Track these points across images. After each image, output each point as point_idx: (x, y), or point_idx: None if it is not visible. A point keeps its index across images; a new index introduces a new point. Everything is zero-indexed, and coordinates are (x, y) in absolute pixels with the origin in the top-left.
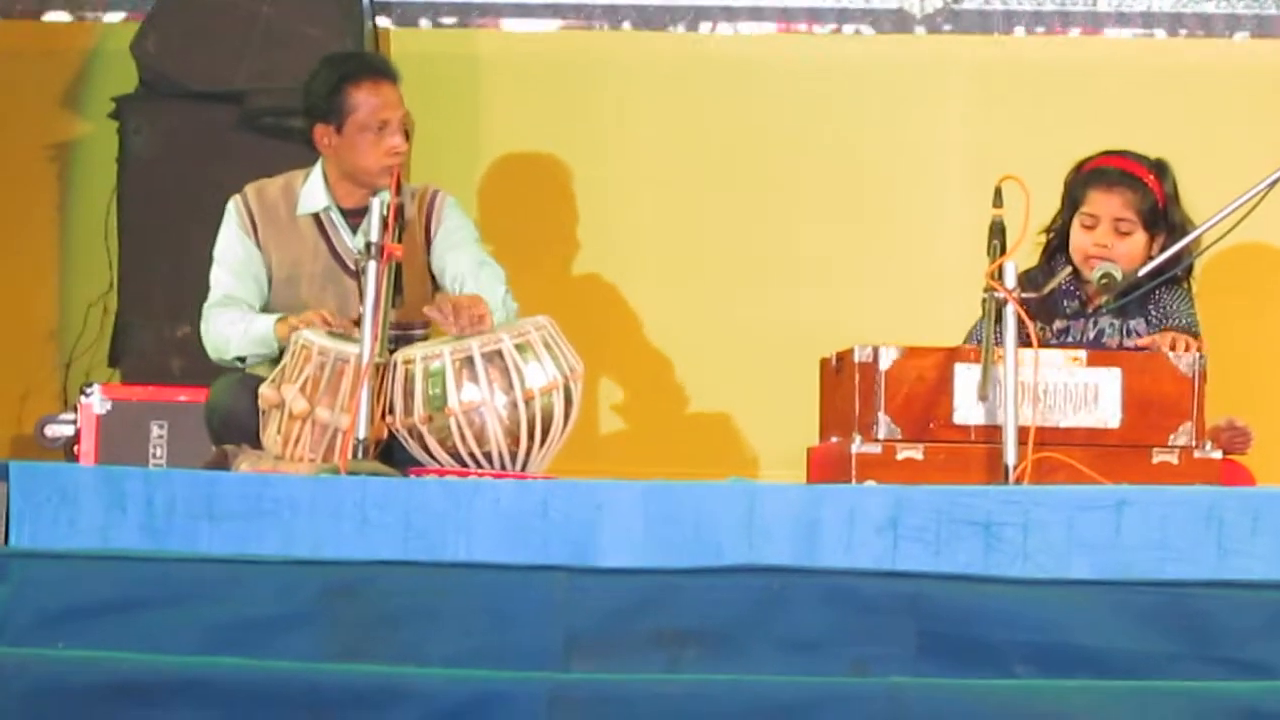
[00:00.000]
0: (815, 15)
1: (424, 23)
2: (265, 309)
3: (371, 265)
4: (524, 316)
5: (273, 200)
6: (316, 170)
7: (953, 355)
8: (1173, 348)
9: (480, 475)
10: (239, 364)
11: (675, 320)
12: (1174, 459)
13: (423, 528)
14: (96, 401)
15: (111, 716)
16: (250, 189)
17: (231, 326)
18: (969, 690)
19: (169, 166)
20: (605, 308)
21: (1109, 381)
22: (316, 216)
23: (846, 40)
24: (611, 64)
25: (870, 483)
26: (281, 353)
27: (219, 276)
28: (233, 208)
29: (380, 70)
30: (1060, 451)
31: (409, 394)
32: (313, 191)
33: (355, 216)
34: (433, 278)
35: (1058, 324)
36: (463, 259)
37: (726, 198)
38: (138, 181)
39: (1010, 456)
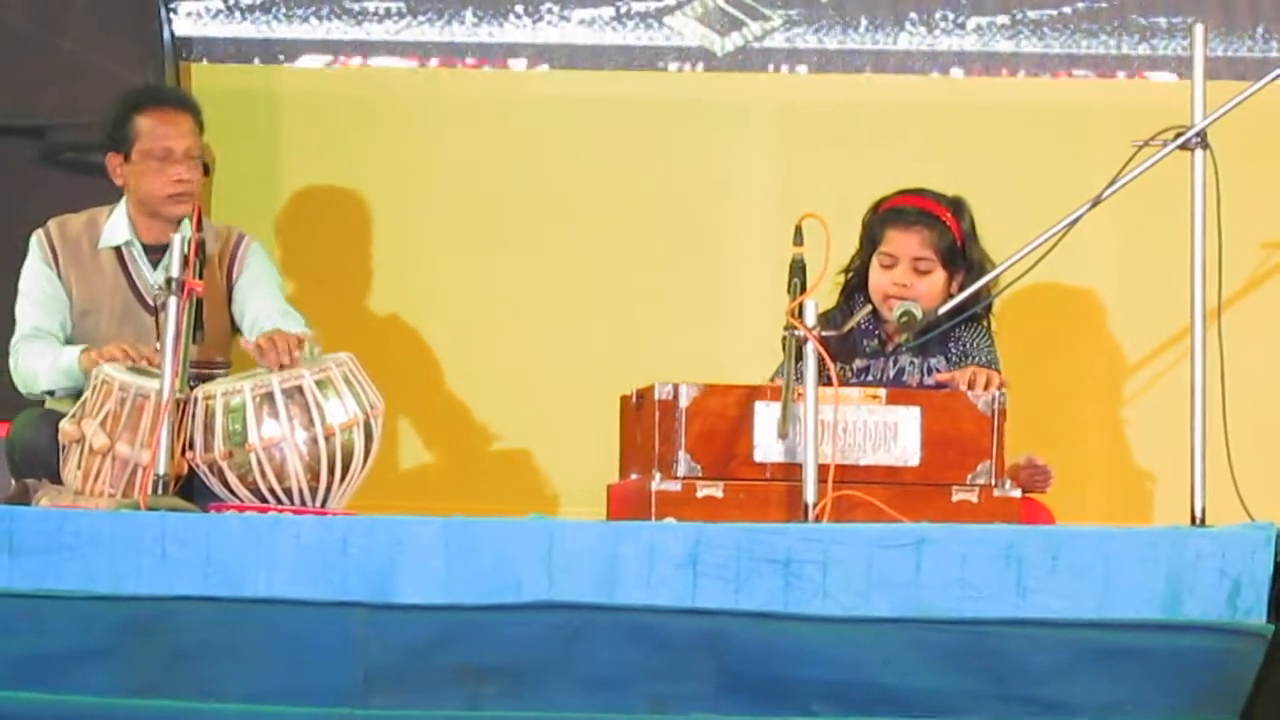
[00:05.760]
0: (621, 52)
1: (226, 58)
2: (69, 341)
3: (172, 301)
4: (324, 353)
5: (75, 234)
6: (121, 206)
7: (753, 393)
8: (971, 383)
9: (280, 511)
10: (49, 396)
11: (476, 356)
12: (973, 497)
13: (223, 563)
14: None
15: None
16: (53, 223)
17: (39, 359)
18: None
19: None
20: (404, 344)
21: (908, 420)
22: (118, 251)
23: (650, 76)
24: (412, 101)
25: (670, 520)
26: None
27: (24, 310)
28: (35, 242)
29: (170, 100)
30: (860, 489)
31: (209, 430)
32: (116, 226)
33: (156, 253)
34: (232, 319)
35: (858, 363)
36: (266, 304)
37: (528, 234)
38: None
39: (810, 494)
